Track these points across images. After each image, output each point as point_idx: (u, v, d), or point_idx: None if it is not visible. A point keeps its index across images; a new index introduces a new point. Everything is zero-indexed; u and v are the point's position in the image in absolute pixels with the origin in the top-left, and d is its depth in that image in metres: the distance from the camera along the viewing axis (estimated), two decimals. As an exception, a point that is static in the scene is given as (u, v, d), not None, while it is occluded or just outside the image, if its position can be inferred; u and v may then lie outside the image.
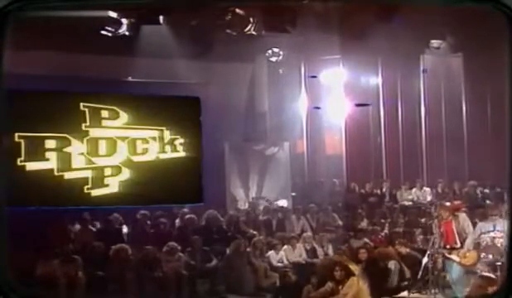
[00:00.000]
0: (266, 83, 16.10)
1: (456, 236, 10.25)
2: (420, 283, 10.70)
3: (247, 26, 12.93)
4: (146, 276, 10.82)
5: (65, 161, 12.67)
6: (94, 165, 12.87)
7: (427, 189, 15.34)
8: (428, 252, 10.54)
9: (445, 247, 10.28)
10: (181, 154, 13.48)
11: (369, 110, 16.34)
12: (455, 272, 10.19)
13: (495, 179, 13.93)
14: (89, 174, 12.83)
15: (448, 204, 11.12)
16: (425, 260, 10.54)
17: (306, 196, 15.22)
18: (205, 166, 13.50)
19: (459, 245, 10.25)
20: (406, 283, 10.93)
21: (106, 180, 12.98)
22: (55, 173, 12.64)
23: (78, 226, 12.10)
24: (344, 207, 14.17)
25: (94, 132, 12.95)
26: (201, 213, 12.98)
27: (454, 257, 10.20)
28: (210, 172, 13.62)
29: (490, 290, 7.45)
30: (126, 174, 13.16)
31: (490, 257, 10.03)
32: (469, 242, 10.24)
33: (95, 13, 11.55)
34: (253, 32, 13.06)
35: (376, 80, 16.45)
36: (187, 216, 12.82)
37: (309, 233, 12.73)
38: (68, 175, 12.69)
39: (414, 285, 10.83)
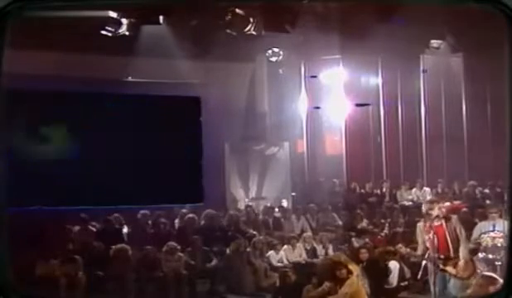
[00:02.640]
0: (266, 83, 16.10)
1: (450, 243, 9.17)
2: (420, 283, 10.69)
3: (247, 26, 12.93)
4: (146, 276, 10.82)
5: (64, 161, 12.66)
6: (92, 165, 12.86)
7: (427, 189, 15.34)
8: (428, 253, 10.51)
9: (439, 258, 9.10)
10: (181, 154, 13.47)
11: (369, 110, 16.35)
12: (454, 287, 9.18)
13: (495, 179, 13.93)
14: (87, 174, 12.82)
15: (440, 204, 9.62)
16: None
17: (306, 196, 15.23)
18: (205, 166, 13.48)
19: (452, 254, 9.20)
20: (406, 283, 10.94)
21: (105, 180, 12.96)
22: (54, 173, 12.62)
23: (78, 226, 12.09)
24: (344, 207, 14.17)
25: (93, 132, 12.94)
26: (201, 213, 12.98)
27: (450, 269, 9.15)
28: (210, 172, 13.60)
29: (491, 289, 7.42)
30: (125, 174, 13.15)
31: (490, 256, 9.99)
32: (463, 250, 9.19)
33: (95, 13, 11.55)
34: (253, 32, 13.06)
35: (376, 80, 16.45)
36: (187, 216, 12.83)
37: (309, 233, 12.74)
38: (66, 175, 12.68)
39: (414, 286, 10.84)
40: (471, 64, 15.79)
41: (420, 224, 9.56)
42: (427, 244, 9.21)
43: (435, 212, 9.30)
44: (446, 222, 9.27)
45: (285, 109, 15.97)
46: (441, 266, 9.13)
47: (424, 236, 9.29)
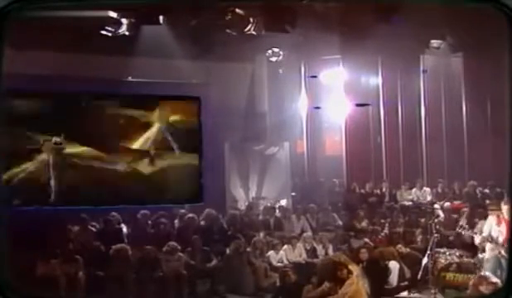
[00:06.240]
0: (266, 83, 16.10)
1: None
2: (420, 283, 10.70)
3: (247, 26, 12.92)
4: (146, 276, 10.82)
5: (65, 160, 12.69)
6: (93, 165, 12.88)
7: (427, 189, 15.33)
8: (428, 252, 10.53)
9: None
10: (181, 154, 13.50)
11: (369, 110, 16.32)
12: None
13: (495, 179, 13.92)
14: (88, 173, 12.84)
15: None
16: (425, 260, 10.53)
17: (306, 196, 15.22)
18: (205, 166, 13.50)
19: None
20: (406, 283, 10.94)
21: (105, 180, 12.99)
22: (55, 171, 12.65)
23: (78, 226, 12.09)
24: (344, 207, 14.17)
25: (94, 132, 12.96)
26: (201, 213, 12.99)
27: None
28: (210, 172, 13.62)
29: (482, 289, 7.44)
30: (126, 173, 13.16)
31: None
32: None
33: (95, 13, 11.55)
34: (253, 32, 13.04)
35: (376, 80, 16.42)
36: (187, 216, 12.83)
37: (309, 233, 12.73)
38: (66, 175, 12.71)
39: (414, 285, 10.84)
40: (471, 64, 15.76)
41: (491, 217, 10.53)
42: (495, 233, 10.19)
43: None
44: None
45: (285, 109, 15.97)
46: None
47: (494, 226, 10.29)
